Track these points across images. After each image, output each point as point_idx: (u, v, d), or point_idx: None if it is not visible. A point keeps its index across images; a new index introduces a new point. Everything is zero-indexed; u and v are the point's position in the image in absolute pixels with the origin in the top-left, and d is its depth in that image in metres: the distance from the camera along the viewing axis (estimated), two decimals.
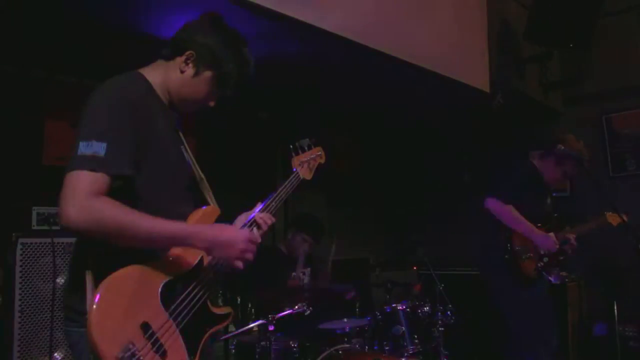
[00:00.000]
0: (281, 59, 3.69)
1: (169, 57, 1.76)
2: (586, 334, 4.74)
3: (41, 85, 3.50)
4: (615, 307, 4.48)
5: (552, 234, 3.46)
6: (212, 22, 1.80)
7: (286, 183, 2.09)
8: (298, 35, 3.27)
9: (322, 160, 2.34)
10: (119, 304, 1.42)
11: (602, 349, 4.63)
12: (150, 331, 1.46)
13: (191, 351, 1.58)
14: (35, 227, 3.05)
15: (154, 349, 1.46)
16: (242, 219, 1.94)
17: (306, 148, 2.27)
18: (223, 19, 1.83)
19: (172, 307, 1.55)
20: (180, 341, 1.55)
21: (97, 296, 1.39)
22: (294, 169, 2.18)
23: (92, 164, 1.43)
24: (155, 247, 1.55)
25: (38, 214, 3.07)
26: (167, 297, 1.54)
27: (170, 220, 1.54)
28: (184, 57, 1.73)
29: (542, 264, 3.45)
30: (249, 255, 1.68)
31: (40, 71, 3.51)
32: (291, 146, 2.24)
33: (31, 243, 2.94)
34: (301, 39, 3.36)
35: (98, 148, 1.44)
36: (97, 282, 1.43)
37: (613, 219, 3.56)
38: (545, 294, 3.52)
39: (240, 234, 1.69)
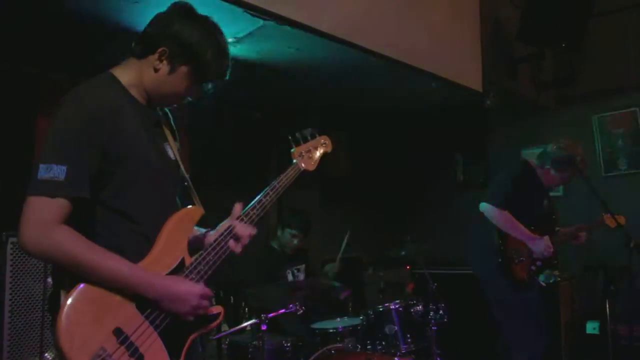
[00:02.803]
0: (273, 59, 3.69)
1: (141, 56, 1.66)
2: (578, 333, 4.76)
3: (33, 83, 3.48)
4: (608, 306, 4.50)
5: (546, 238, 3.45)
6: (183, 13, 1.68)
7: (282, 176, 1.96)
8: (290, 34, 3.26)
9: (328, 149, 2.18)
10: (90, 311, 1.41)
11: (594, 347, 4.65)
12: (124, 336, 1.44)
13: (174, 353, 1.55)
14: None
15: (129, 353, 1.44)
16: (224, 226, 1.81)
17: (309, 137, 2.12)
18: (194, 8, 1.70)
19: (150, 310, 1.52)
20: (160, 344, 1.52)
21: (67, 304, 1.38)
22: (294, 160, 2.03)
23: (51, 189, 1.41)
24: (107, 285, 1.47)
25: None
26: (145, 300, 1.51)
27: (126, 263, 1.49)
28: (156, 55, 1.64)
29: (534, 267, 3.45)
30: (201, 311, 1.59)
31: (33, 68, 3.48)
32: (290, 137, 2.08)
33: None
34: (293, 38, 3.35)
35: (58, 172, 1.42)
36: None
37: (611, 221, 3.57)
38: (537, 296, 3.52)
39: (194, 289, 1.57)
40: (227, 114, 4.55)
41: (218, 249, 1.70)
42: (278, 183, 1.93)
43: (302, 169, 2.03)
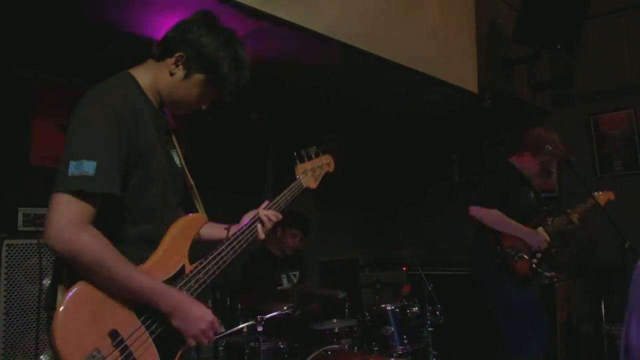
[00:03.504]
0: (270, 61, 3.68)
1: (159, 58, 1.68)
2: (574, 334, 4.77)
3: (28, 85, 3.46)
4: (603, 306, 4.52)
5: (540, 229, 3.46)
6: (205, 21, 1.69)
7: (286, 191, 1.99)
8: (286, 36, 3.26)
9: (330, 169, 2.23)
10: (88, 310, 1.40)
11: (590, 348, 4.67)
12: (119, 338, 1.43)
13: None
14: (21, 228, 3.01)
15: (122, 357, 1.42)
16: (248, 216, 1.89)
17: (313, 155, 2.16)
18: (217, 18, 1.72)
19: (146, 314, 1.51)
20: (153, 349, 1.50)
21: (65, 301, 1.37)
22: (297, 177, 2.07)
23: (80, 184, 1.40)
24: (124, 294, 1.47)
25: (24, 214, 3.03)
26: (142, 304, 1.50)
27: (145, 276, 1.49)
28: (173, 59, 1.65)
29: (535, 260, 3.45)
30: (205, 340, 1.57)
31: (28, 70, 3.47)
32: (295, 153, 2.11)
33: (17, 244, 2.90)
34: (290, 40, 3.35)
35: (88, 167, 1.40)
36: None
37: (600, 199, 3.58)
38: (537, 295, 3.52)
39: (207, 315, 1.57)
40: (223, 114, 4.54)
41: (240, 238, 1.80)
42: (281, 198, 1.97)
43: (304, 187, 2.08)
